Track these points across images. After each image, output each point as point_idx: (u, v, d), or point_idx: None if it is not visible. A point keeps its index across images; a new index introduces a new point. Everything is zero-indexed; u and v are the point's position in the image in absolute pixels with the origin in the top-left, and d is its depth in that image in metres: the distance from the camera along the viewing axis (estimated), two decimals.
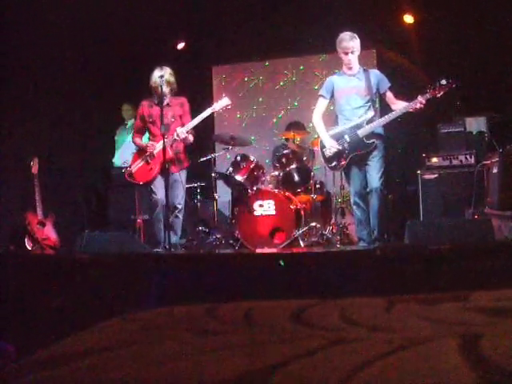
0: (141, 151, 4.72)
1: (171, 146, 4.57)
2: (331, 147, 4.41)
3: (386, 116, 4.32)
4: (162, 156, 4.39)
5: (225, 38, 6.84)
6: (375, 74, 4.49)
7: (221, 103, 4.71)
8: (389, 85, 4.45)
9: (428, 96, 4.14)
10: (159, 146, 4.48)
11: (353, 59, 4.39)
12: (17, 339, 1.91)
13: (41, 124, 6.04)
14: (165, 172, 4.51)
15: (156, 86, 4.52)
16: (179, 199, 4.65)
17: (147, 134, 4.84)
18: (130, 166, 4.74)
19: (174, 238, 4.59)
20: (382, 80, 4.44)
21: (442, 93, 4.14)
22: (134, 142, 4.90)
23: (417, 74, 6.08)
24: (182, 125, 4.65)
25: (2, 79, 5.58)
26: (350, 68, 4.43)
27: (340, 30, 4.51)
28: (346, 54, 4.36)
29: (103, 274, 2.73)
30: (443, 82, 4.13)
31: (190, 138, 4.66)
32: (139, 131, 4.82)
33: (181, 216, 4.69)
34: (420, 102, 4.14)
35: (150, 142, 4.64)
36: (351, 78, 4.44)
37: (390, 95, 4.45)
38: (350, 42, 4.33)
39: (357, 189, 4.39)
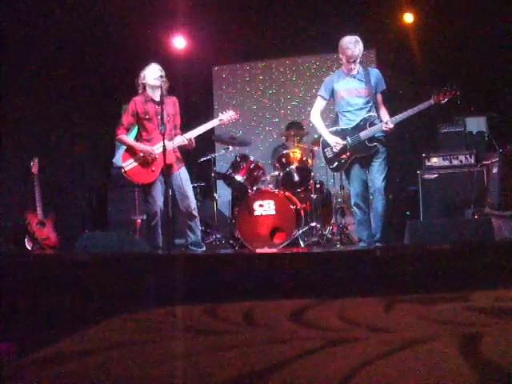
0: (131, 149, 4.49)
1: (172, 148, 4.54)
2: (336, 144, 4.36)
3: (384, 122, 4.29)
4: (167, 159, 4.30)
5: (225, 38, 6.84)
6: (375, 73, 4.42)
7: (227, 115, 4.71)
8: (384, 88, 4.42)
9: (432, 102, 4.12)
10: (157, 148, 4.39)
11: (356, 64, 4.32)
12: (17, 338, 1.90)
13: (41, 124, 6.03)
14: (165, 174, 4.44)
15: (154, 83, 4.46)
16: (193, 199, 4.56)
17: (134, 131, 4.76)
18: (122, 164, 4.59)
19: (194, 238, 4.57)
20: (380, 81, 4.40)
21: (446, 99, 4.12)
22: (121, 139, 4.55)
23: (416, 74, 6.08)
24: (175, 125, 4.61)
25: (2, 80, 5.57)
26: (351, 69, 4.34)
27: (340, 29, 4.46)
28: (351, 62, 4.26)
29: (103, 274, 2.72)
30: (447, 88, 4.12)
31: (194, 142, 4.63)
32: (129, 128, 4.62)
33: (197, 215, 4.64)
34: (386, 127, 4.17)
35: (149, 148, 4.42)
36: (351, 79, 4.36)
37: (379, 98, 4.41)
38: (355, 50, 4.21)
39: (358, 190, 4.35)
